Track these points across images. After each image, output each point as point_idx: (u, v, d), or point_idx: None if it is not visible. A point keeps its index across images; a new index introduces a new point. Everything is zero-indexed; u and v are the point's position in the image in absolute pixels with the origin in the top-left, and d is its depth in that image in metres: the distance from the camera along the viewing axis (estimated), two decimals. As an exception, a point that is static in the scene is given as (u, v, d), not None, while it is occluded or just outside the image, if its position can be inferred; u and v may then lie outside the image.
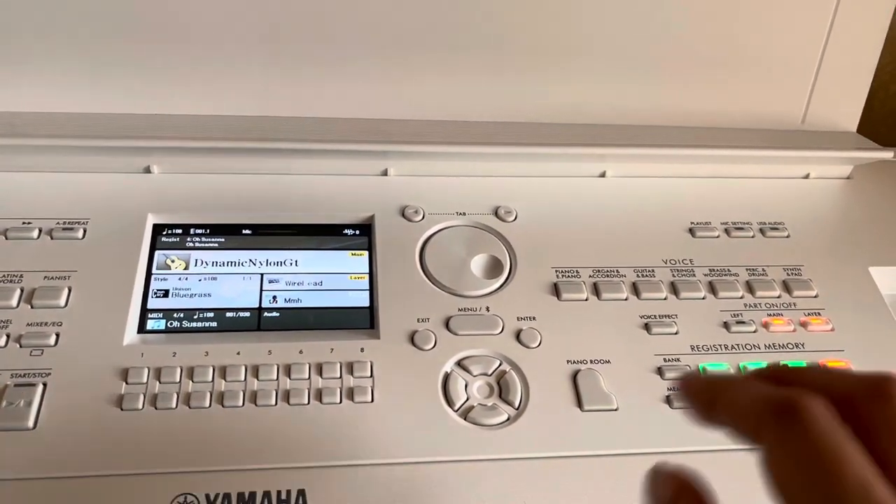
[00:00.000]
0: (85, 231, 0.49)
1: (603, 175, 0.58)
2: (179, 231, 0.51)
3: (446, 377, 0.45)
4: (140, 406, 0.42)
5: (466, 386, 0.45)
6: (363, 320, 0.48)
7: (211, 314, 0.47)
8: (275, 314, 0.48)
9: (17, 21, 0.51)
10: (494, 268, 0.51)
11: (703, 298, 0.51)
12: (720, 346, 0.48)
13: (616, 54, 0.57)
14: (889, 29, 0.58)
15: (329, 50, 0.54)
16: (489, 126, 0.57)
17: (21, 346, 0.44)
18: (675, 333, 0.49)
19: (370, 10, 0.53)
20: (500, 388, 0.45)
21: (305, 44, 0.54)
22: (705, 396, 0.26)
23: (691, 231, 0.55)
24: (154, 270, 0.49)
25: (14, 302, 0.45)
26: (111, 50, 0.53)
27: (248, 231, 0.51)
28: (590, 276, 0.51)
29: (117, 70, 0.53)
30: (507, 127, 0.57)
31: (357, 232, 0.52)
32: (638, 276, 0.51)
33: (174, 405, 0.42)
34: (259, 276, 0.49)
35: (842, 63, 0.59)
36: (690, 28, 0.57)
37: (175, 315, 0.47)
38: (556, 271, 0.51)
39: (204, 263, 0.50)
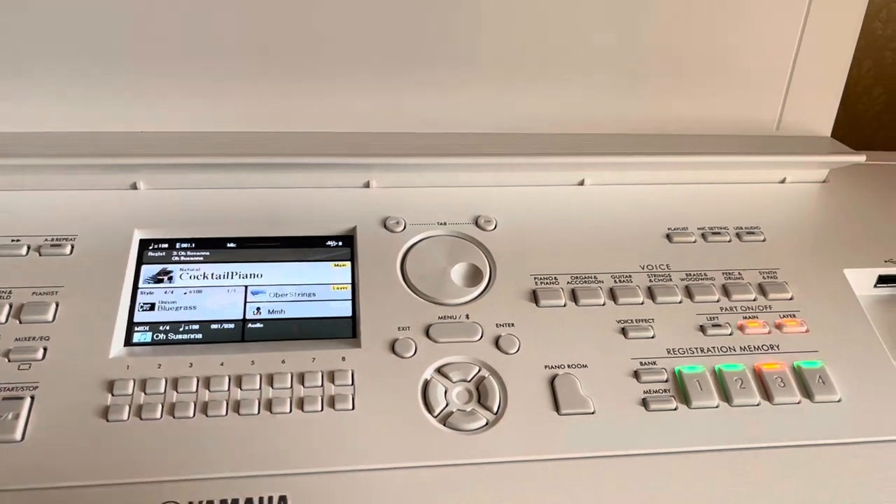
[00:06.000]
0: (72, 247, 0.50)
1: (581, 183, 0.59)
2: (165, 245, 0.52)
3: (426, 384, 0.46)
4: (125, 417, 0.43)
5: (446, 392, 0.46)
6: (345, 330, 0.49)
7: (196, 326, 0.48)
8: (259, 325, 0.49)
9: (0, 41, 0.52)
10: (474, 276, 0.52)
11: (680, 303, 0.52)
12: (696, 349, 0.49)
13: (591, 65, 0.58)
14: (870, 33, 0.59)
15: (309, 65, 0.55)
16: (469, 137, 0.58)
17: (9, 361, 0.45)
18: (652, 337, 0.50)
19: (349, 25, 0.55)
20: (479, 393, 0.46)
21: (286, 60, 0.55)
22: None
23: (668, 237, 0.56)
24: (141, 284, 0.50)
25: (2, 317, 0.46)
26: (95, 67, 0.54)
27: (232, 244, 0.52)
28: (568, 283, 0.52)
29: (102, 87, 0.54)
30: (487, 138, 0.58)
31: (340, 243, 0.53)
32: (615, 281, 0.52)
33: (159, 415, 0.43)
34: (243, 288, 0.50)
35: (814, 68, 0.60)
36: (664, 37, 0.58)
37: (161, 328, 0.48)
38: (535, 278, 0.52)
39: (189, 277, 0.51)
